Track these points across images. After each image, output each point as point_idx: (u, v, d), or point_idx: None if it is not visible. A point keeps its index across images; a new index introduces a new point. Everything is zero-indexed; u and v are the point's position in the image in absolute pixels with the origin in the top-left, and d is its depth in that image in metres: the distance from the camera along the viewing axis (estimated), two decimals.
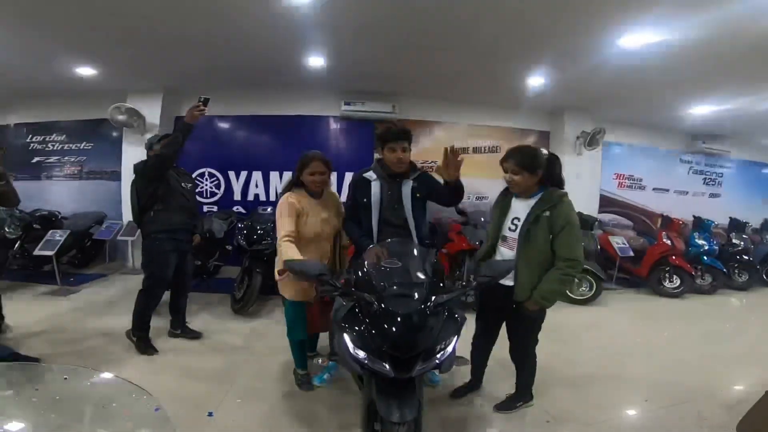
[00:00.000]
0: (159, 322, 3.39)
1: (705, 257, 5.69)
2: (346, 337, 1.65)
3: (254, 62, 4.54)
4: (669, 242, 5.46)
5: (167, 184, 3.05)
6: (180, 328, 3.44)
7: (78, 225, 5.35)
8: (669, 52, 3.76)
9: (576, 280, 4.74)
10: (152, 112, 5.57)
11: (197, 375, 2.78)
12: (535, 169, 2.07)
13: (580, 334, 3.95)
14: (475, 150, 6.18)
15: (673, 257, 5.40)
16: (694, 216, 6.21)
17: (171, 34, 3.81)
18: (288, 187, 2.52)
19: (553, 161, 2.19)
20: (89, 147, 6.21)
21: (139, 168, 3.07)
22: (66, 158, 6.26)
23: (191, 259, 3.49)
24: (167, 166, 3.00)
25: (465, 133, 6.23)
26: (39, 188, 6.24)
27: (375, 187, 2.41)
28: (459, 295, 1.77)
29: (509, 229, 2.18)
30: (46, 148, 6.27)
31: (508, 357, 2.41)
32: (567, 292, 2.18)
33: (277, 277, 2.27)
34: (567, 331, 4.01)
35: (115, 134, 5.94)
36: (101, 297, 4.47)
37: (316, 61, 4.52)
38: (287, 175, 5.51)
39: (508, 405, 2.43)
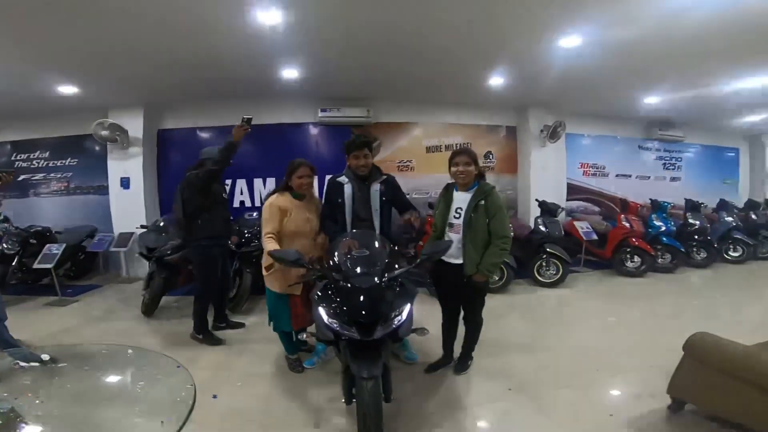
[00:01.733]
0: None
1: (664, 237, 6.16)
2: (321, 310, 2.07)
3: (233, 76, 4.81)
4: (628, 225, 5.92)
5: (213, 195, 3.37)
6: (225, 321, 3.84)
7: (71, 239, 5.57)
8: (608, 50, 4.20)
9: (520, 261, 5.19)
10: (134, 126, 5.79)
11: (199, 364, 3.08)
12: (476, 164, 2.60)
13: (547, 314, 4.36)
14: (448, 147, 6.54)
15: (633, 239, 5.86)
16: (650, 199, 6.69)
17: (150, 51, 4.04)
18: (276, 190, 2.90)
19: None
20: (74, 163, 6.40)
21: (191, 178, 3.35)
22: (52, 175, 6.44)
23: (228, 262, 3.91)
24: (215, 179, 3.37)
25: (438, 132, 6.59)
26: (27, 205, 6.41)
27: (347, 189, 2.85)
28: (406, 270, 2.20)
29: (454, 217, 2.64)
30: (32, 166, 6.43)
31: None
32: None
33: (264, 272, 2.69)
34: (535, 311, 4.42)
35: (98, 149, 6.13)
36: (101, 306, 4.72)
37: (291, 72, 4.83)
38: (270, 182, 5.87)
39: (463, 366, 2.89)
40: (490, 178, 6.00)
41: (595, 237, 6.02)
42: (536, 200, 6.18)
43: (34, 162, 6.44)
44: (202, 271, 3.50)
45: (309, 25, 3.60)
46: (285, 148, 5.84)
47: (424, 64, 4.67)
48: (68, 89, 5.02)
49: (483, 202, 2.54)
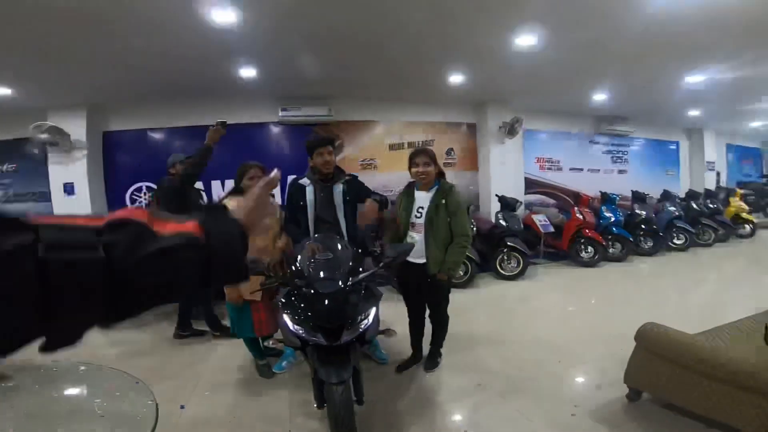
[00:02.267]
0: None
1: (614, 228, 6.51)
2: (286, 317, 2.04)
3: (185, 75, 4.61)
4: (581, 217, 6.20)
5: (189, 201, 3.27)
6: (189, 330, 3.73)
7: None
8: (561, 50, 4.37)
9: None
10: (77, 129, 5.38)
11: (164, 374, 2.96)
12: (436, 163, 2.64)
13: (510, 307, 4.49)
14: (410, 145, 6.58)
15: (586, 230, 6.16)
16: (600, 191, 7.04)
17: (91, 50, 3.79)
18: (227, 194, 2.86)
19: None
20: (11, 168, 5.90)
21: (163, 185, 3.40)
22: None
23: None
24: (191, 184, 3.30)
25: (400, 129, 6.61)
26: None
27: (309, 192, 2.79)
28: (370, 274, 2.18)
29: (416, 216, 2.66)
30: None
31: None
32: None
33: None
34: (499, 304, 4.55)
35: (36, 152, 5.69)
36: None
37: (249, 71, 4.68)
38: (229, 183, 5.65)
39: (432, 363, 2.91)
40: (451, 175, 6.06)
41: (552, 229, 6.28)
42: (496, 195, 6.35)
43: None
44: None
45: (266, 23, 3.50)
46: (245, 149, 5.65)
47: (385, 62, 4.67)
48: (1, 90, 4.61)
49: (444, 201, 2.57)
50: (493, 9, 3.48)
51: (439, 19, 3.64)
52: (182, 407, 2.49)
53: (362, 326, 2.01)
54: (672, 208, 7.35)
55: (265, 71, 4.68)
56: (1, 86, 4.54)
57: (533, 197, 7.74)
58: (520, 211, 6.59)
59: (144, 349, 3.45)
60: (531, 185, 7.72)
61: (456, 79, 5.42)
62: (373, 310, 2.10)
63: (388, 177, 6.30)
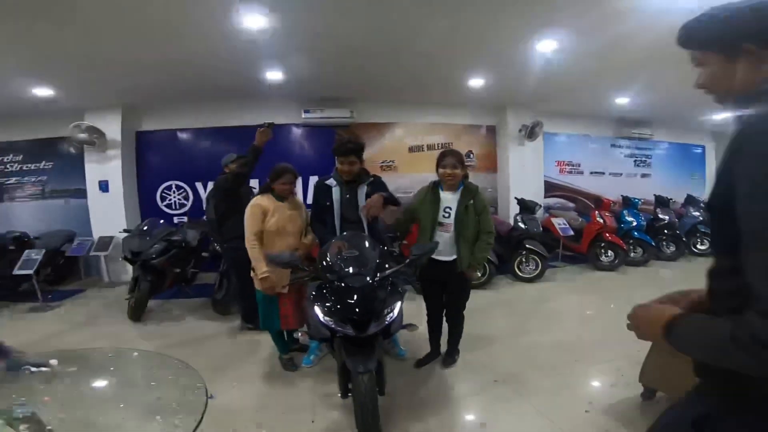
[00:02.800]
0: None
1: (635, 232, 6.45)
2: (317, 309, 2.15)
3: (215, 78, 4.82)
4: (602, 220, 6.17)
5: (241, 198, 3.43)
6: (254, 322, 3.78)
7: (50, 243, 5.43)
8: (582, 54, 4.38)
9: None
10: (112, 128, 5.69)
11: (194, 366, 3.10)
12: (463, 165, 2.75)
13: (527, 308, 4.52)
14: (429, 147, 6.68)
15: (607, 234, 6.13)
16: (622, 196, 6.98)
17: (128, 55, 4.01)
18: (259, 191, 2.98)
19: None
20: (49, 166, 6.23)
21: (219, 183, 3.58)
22: (26, 178, 6.25)
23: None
24: (242, 182, 3.50)
25: (420, 131, 6.71)
26: (3, 210, 6.22)
27: (335, 192, 2.88)
28: (397, 270, 2.31)
29: (443, 216, 2.76)
30: (5, 170, 6.23)
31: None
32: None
33: (252, 273, 2.78)
34: (516, 306, 4.59)
35: (74, 152, 5.99)
36: (85, 311, 4.68)
37: (276, 75, 4.85)
38: (254, 183, 5.84)
39: (450, 360, 3.02)
40: (470, 177, 6.16)
41: (571, 233, 6.28)
42: (515, 198, 6.39)
43: (7, 166, 6.23)
44: (236, 270, 3.59)
45: (292, 29, 3.63)
46: (270, 149, 5.79)
47: (407, 66, 4.77)
48: (44, 91, 4.90)
49: (472, 201, 2.70)
50: (514, 15, 3.54)
51: (459, 26, 3.72)
52: (211, 397, 2.63)
53: (388, 319, 2.12)
54: (696, 213, 7.23)
55: (290, 74, 4.85)
56: (44, 87, 4.82)
57: (552, 200, 7.73)
58: (539, 214, 6.60)
59: (173, 343, 3.61)
60: (550, 188, 7.71)
61: (476, 82, 5.48)
62: (398, 305, 2.22)
63: (407, 178, 6.40)
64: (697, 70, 0.94)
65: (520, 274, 5.59)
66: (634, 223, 6.47)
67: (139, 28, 3.42)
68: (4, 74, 4.35)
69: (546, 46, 4.19)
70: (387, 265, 2.34)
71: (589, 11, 3.48)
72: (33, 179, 6.24)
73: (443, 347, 3.10)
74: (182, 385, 1.45)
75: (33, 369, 1.43)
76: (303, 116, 5.85)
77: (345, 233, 2.70)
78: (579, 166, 7.95)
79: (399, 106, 6.36)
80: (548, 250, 5.89)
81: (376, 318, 2.08)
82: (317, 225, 2.96)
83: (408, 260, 2.35)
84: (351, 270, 2.19)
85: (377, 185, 2.96)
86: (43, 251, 4.89)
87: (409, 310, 3.09)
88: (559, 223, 6.34)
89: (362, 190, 2.89)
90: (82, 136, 5.46)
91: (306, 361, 3.10)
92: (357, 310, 2.04)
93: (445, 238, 2.74)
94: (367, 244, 2.46)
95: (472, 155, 7.01)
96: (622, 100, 6.57)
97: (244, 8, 3.24)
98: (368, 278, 2.14)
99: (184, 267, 4.87)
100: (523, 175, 6.95)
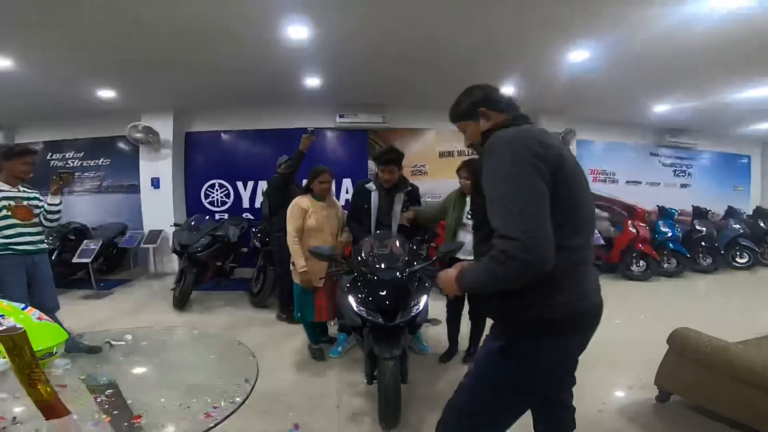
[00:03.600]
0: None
1: (670, 243, 6.31)
2: (351, 298, 2.37)
3: (257, 84, 5.14)
4: (635, 230, 6.09)
5: (290, 194, 3.71)
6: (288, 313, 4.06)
7: (105, 235, 5.94)
8: (617, 63, 4.43)
9: None
10: (165, 129, 6.15)
11: (229, 353, 3.38)
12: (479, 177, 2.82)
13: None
14: (460, 153, 6.77)
15: (640, 244, 6.04)
16: (657, 206, 6.84)
17: (181, 61, 4.37)
18: (300, 192, 3.25)
19: None
20: (107, 163, 6.78)
21: (271, 182, 4.12)
22: (86, 174, 6.82)
23: None
24: (288, 182, 3.93)
25: (451, 137, 6.80)
26: (64, 202, 6.78)
27: (374, 197, 3.12)
28: (424, 266, 2.50)
29: (467, 218, 2.95)
30: (67, 165, 6.81)
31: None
32: None
33: (291, 267, 3.03)
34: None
35: (129, 150, 6.50)
36: (133, 299, 5.10)
37: (313, 81, 5.14)
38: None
39: (471, 359, 3.10)
40: None
41: (602, 242, 6.22)
42: None
43: (68, 161, 6.82)
44: (281, 258, 3.91)
45: (331, 38, 3.89)
46: (308, 151, 6.12)
47: (438, 73, 4.91)
48: (107, 93, 5.37)
49: None
50: (545, 22, 3.62)
51: (491, 33, 3.86)
52: (246, 381, 2.90)
53: (414, 311, 2.30)
54: (736, 226, 6.97)
55: (326, 80, 5.12)
56: (106, 89, 5.29)
57: None
58: None
59: (214, 330, 3.84)
60: None
61: (508, 90, 5.55)
62: (424, 298, 2.39)
63: (436, 183, 6.51)
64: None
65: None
66: (669, 234, 6.35)
67: (193, 34, 3.72)
68: (73, 77, 4.79)
69: (579, 56, 4.25)
70: (415, 262, 2.53)
71: (624, 17, 3.52)
72: (92, 174, 6.81)
73: (462, 344, 3.25)
74: (236, 356, 1.75)
75: (113, 342, 1.69)
76: (337, 120, 6.12)
77: (378, 232, 2.95)
78: (614, 174, 7.82)
79: (431, 112, 6.44)
80: None
81: (404, 309, 2.26)
82: (353, 224, 3.19)
83: (435, 258, 2.52)
84: (383, 265, 2.40)
85: (413, 196, 3.18)
86: (100, 242, 5.36)
87: (435, 307, 3.26)
88: None
89: (399, 198, 3.10)
90: (139, 135, 5.92)
91: (333, 352, 3.31)
92: (387, 301, 2.23)
93: (468, 239, 2.90)
94: (397, 242, 2.67)
95: None
96: (662, 108, 6.45)
97: (288, 19, 3.52)
98: (398, 273, 2.34)
99: (224, 261, 5.21)
100: None
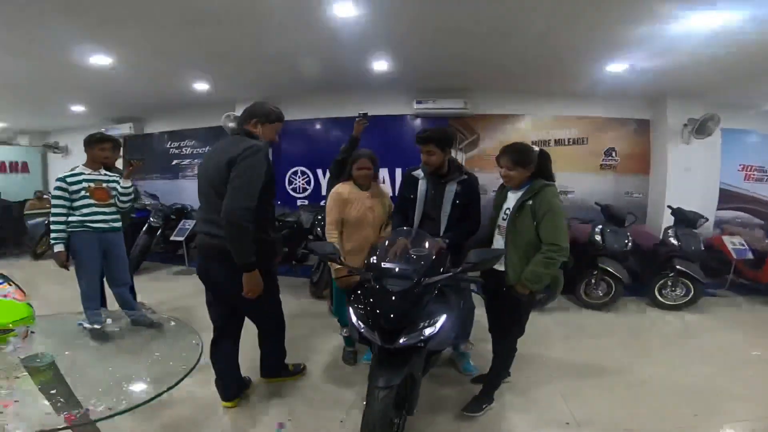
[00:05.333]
0: None
1: None
2: (351, 310, 1.98)
3: (330, 70, 4.99)
4: None
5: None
6: None
7: None
8: None
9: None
10: None
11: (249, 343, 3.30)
12: (526, 165, 2.18)
13: (656, 341, 3.65)
14: (557, 142, 5.89)
15: None
16: None
17: (262, 52, 4.40)
18: (340, 181, 2.94)
19: (545, 157, 2.26)
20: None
21: (330, 169, 3.98)
22: (195, 161, 7.56)
23: None
24: (341, 169, 3.74)
25: (546, 124, 5.97)
26: (177, 186, 7.66)
27: (421, 185, 2.65)
28: (444, 278, 1.97)
29: (502, 218, 2.30)
30: (182, 153, 7.66)
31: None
32: (557, 275, 2.18)
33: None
34: (643, 336, 3.75)
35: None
36: None
37: (383, 65, 4.80)
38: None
39: (475, 407, 2.40)
40: (611, 178, 5.25)
41: (750, 255, 4.82)
42: (669, 207, 5.18)
43: (183, 149, 7.66)
44: None
45: (396, 16, 3.50)
46: (384, 140, 5.86)
47: (528, 49, 4.17)
48: (201, 86, 5.79)
49: (530, 201, 2.13)
50: None
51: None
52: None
53: (425, 334, 1.83)
54: None
55: (399, 64, 4.74)
56: (202, 83, 5.69)
57: (730, 214, 6.07)
58: (705, 228, 5.22)
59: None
60: (729, 199, 6.07)
61: (619, 67, 4.55)
62: (443, 318, 1.90)
63: None
64: None
65: (661, 299, 4.51)
66: None
67: (273, 24, 3.67)
68: (170, 73, 5.21)
69: (718, 17, 3.18)
70: (442, 270, 2.06)
71: None
72: (199, 161, 7.51)
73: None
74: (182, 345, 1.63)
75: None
76: (415, 107, 5.73)
77: (405, 228, 2.48)
78: None
79: (521, 96, 5.73)
80: (710, 275, 4.65)
81: (411, 330, 1.81)
82: (397, 217, 2.78)
83: (460, 269, 1.97)
84: (397, 270, 1.97)
85: (468, 187, 2.61)
86: (194, 222, 5.83)
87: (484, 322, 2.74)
88: (734, 242, 4.92)
89: (450, 188, 2.58)
90: (231, 125, 6.31)
91: (367, 356, 2.99)
92: (386, 318, 1.80)
93: (500, 242, 2.29)
94: (426, 244, 2.20)
95: (614, 153, 5.95)
96: None
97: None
98: (410, 283, 1.88)
99: (294, 247, 5.25)
100: (687, 180, 5.59)
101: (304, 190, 6.62)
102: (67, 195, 3.01)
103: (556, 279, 2.20)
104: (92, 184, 3.09)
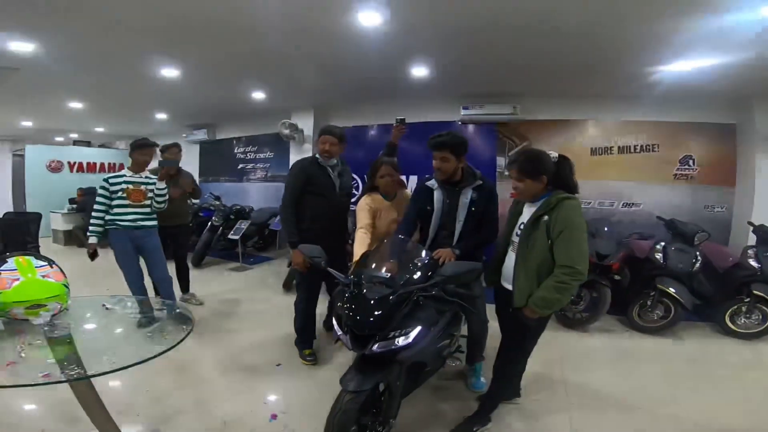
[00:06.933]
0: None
1: None
2: (334, 315, 2.02)
3: (375, 78, 5.06)
4: None
5: None
6: None
7: (260, 218, 6.93)
8: None
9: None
10: (307, 126, 6.76)
11: (273, 338, 3.46)
12: (537, 175, 1.97)
13: (720, 372, 3.18)
14: (622, 149, 5.40)
15: None
16: None
17: (312, 63, 4.58)
18: (365, 191, 2.92)
19: (563, 164, 2.03)
20: (271, 156, 7.88)
21: (368, 173, 4.29)
22: (258, 165, 8.09)
23: None
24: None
25: (608, 130, 5.49)
26: (241, 188, 8.26)
27: (437, 195, 2.53)
28: (416, 289, 1.92)
29: (516, 234, 2.12)
30: (247, 157, 8.22)
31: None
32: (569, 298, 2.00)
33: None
34: (703, 366, 3.32)
35: (284, 145, 7.35)
36: (265, 274, 5.81)
37: (426, 71, 4.74)
38: (413, 180, 5.95)
39: (464, 428, 2.25)
40: (688, 189, 5.20)
41: None
42: (750, 224, 4.53)
43: (248, 154, 8.22)
44: None
45: (433, 21, 3.42)
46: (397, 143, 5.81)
47: (583, 50, 3.85)
48: (259, 95, 6.16)
49: (546, 217, 1.93)
50: None
51: None
52: (278, 365, 2.90)
53: (397, 343, 1.79)
54: None
55: (442, 69, 4.66)
56: (259, 92, 6.04)
57: None
58: None
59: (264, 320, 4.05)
60: None
61: (692, 65, 4.04)
62: (416, 330, 1.84)
63: (588, 187, 5.35)
64: None
65: (732, 326, 3.95)
66: None
67: (319, 34, 3.77)
68: (236, 82, 5.53)
69: None
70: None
71: None
72: (261, 165, 8.03)
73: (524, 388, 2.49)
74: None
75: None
76: (462, 113, 5.59)
77: (397, 238, 2.43)
78: None
79: (576, 100, 5.33)
80: None
81: (382, 338, 1.79)
82: (401, 227, 2.63)
83: (432, 282, 1.92)
84: (374, 278, 1.95)
85: (485, 193, 2.47)
86: (248, 223, 6.25)
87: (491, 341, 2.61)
88: None
89: (465, 195, 2.45)
90: (286, 132, 6.65)
91: None
92: (356, 323, 1.82)
93: (510, 260, 2.12)
94: (413, 255, 2.18)
95: (692, 162, 5.32)
96: None
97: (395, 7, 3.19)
98: (387, 291, 1.87)
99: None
100: None
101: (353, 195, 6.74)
102: (107, 194, 3.36)
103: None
104: (131, 186, 3.41)
